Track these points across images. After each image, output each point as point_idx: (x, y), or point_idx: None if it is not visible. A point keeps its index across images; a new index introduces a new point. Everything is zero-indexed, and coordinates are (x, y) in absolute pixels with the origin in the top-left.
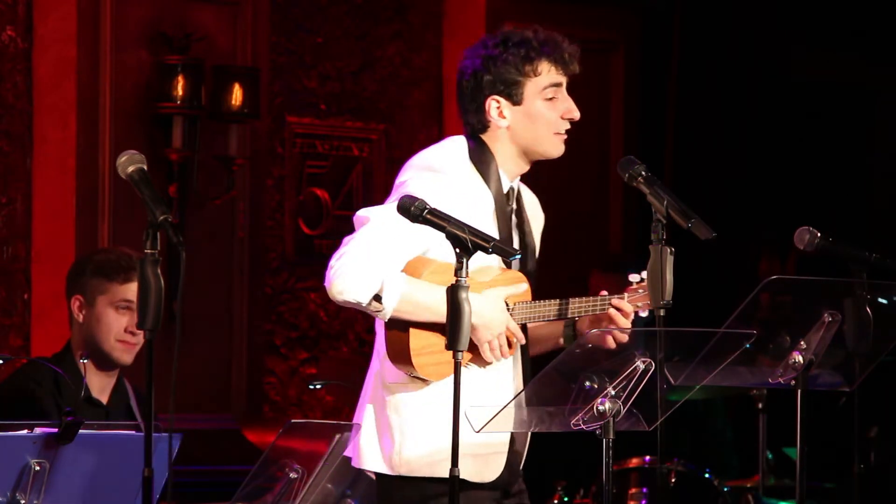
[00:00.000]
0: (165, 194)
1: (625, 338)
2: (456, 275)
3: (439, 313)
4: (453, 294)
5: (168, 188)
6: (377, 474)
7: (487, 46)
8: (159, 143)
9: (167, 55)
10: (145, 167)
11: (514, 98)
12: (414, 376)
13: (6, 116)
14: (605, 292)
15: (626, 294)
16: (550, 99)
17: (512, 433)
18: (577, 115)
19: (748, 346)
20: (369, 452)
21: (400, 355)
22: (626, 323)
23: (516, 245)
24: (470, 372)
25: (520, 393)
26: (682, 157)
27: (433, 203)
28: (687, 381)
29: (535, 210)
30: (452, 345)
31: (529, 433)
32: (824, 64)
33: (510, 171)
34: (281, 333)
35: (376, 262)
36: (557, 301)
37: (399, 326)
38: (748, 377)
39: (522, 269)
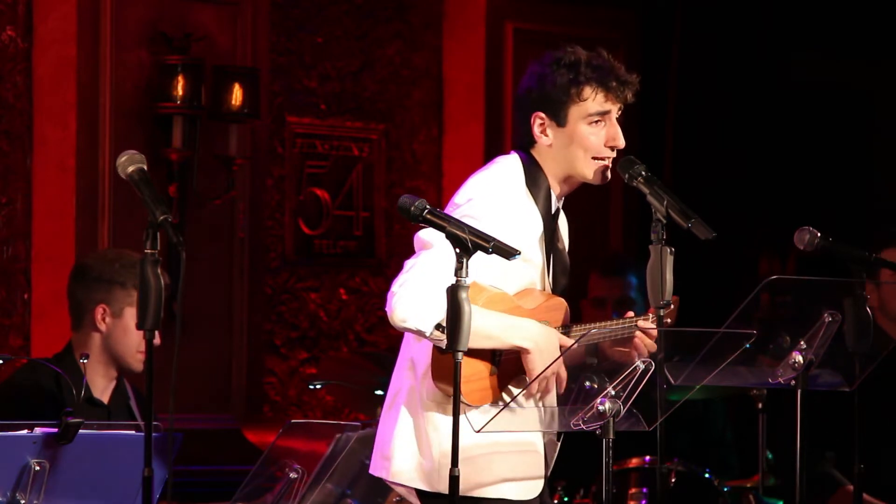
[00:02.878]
0: (165, 194)
1: (645, 352)
2: (456, 275)
3: (502, 341)
4: (453, 294)
5: (168, 188)
6: (416, 490)
7: (543, 63)
8: (159, 143)
9: (167, 55)
10: (145, 167)
11: (559, 119)
12: None
13: (6, 116)
14: (630, 313)
15: (649, 314)
16: (595, 123)
17: (545, 452)
18: (621, 143)
19: (748, 346)
20: (405, 466)
21: (449, 380)
22: (653, 346)
23: (552, 267)
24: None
25: (519, 394)
26: (682, 157)
27: (494, 224)
28: (687, 381)
29: (565, 227)
30: (452, 345)
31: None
32: (824, 63)
33: (556, 190)
34: (281, 333)
35: (441, 291)
36: (586, 325)
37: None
38: (748, 377)
39: (555, 287)
